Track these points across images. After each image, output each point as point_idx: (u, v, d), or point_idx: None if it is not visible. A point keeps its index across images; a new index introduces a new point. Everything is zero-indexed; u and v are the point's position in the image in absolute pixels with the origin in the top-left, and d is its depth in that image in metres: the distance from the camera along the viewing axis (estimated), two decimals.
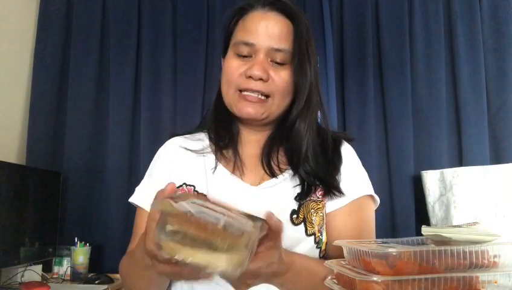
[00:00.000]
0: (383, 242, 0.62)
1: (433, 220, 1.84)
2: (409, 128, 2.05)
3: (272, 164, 0.81)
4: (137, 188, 0.87)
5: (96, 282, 1.77)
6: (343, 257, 0.64)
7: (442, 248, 0.52)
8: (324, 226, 0.79)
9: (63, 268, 1.92)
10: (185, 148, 0.85)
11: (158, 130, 2.12)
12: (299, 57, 0.78)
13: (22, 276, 1.75)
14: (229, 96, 0.80)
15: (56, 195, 2.00)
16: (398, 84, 2.08)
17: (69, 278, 1.90)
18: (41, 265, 1.88)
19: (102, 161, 2.13)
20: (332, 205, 0.80)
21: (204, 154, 0.83)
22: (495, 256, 0.53)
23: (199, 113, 2.12)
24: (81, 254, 1.91)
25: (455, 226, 0.60)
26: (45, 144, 2.12)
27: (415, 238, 0.64)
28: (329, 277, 0.63)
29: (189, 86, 2.14)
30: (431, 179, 1.86)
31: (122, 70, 2.17)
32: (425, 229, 0.58)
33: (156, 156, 0.89)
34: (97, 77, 2.18)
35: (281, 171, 0.80)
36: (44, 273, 1.88)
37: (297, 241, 0.75)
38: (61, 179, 2.03)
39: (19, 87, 2.13)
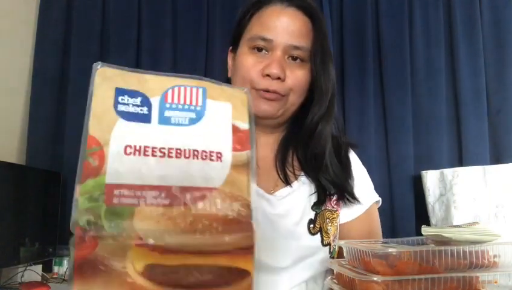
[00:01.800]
0: (383, 242, 0.62)
1: (433, 220, 1.84)
2: (409, 128, 2.05)
3: (287, 170, 0.78)
4: None
5: None
6: None
7: (442, 248, 0.52)
8: (338, 235, 0.78)
9: (63, 268, 1.92)
10: None
11: None
12: (321, 55, 0.76)
13: (22, 276, 1.75)
14: None
15: (56, 195, 1.99)
16: (398, 84, 2.08)
17: None
18: (41, 265, 1.88)
19: None
20: (346, 215, 0.79)
21: None
22: (495, 256, 0.53)
23: None
24: None
25: (455, 226, 0.59)
26: (45, 144, 2.12)
27: (415, 238, 0.64)
28: (329, 277, 0.63)
29: None
30: (431, 179, 1.86)
31: None
32: (425, 229, 0.58)
33: None
34: None
35: (296, 177, 0.78)
36: (44, 273, 1.88)
37: (314, 251, 0.74)
38: (61, 179, 2.03)
39: (19, 87, 2.13)
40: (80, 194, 0.31)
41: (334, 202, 0.78)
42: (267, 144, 0.82)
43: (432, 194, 1.86)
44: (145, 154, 0.32)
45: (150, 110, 0.34)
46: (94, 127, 0.33)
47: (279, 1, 0.77)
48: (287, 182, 0.77)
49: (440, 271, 0.51)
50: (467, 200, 1.74)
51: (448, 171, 1.81)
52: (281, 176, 0.77)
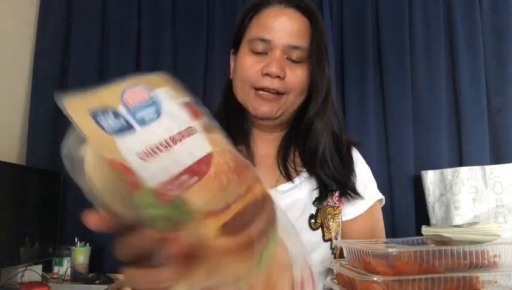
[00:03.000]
0: (383, 242, 0.62)
1: (433, 220, 1.84)
2: (409, 128, 2.05)
3: (289, 166, 0.79)
4: None
5: (96, 282, 1.77)
6: None
7: (442, 248, 0.52)
8: (340, 232, 0.78)
9: (63, 268, 1.92)
10: None
11: None
12: (317, 54, 0.77)
13: (22, 276, 1.75)
14: (244, 94, 0.78)
15: (56, 195, 1.99)
16: (398, 84, 2.08)
17: (69, 278, 1.90)
18: (41, 265, 1.88)
19: None
20: (349, 212, 0.79)
21: None
22: (495, 256, 0.53)
23: None
24: (81, 254, 1.91)
25: (455, 226, 0.59)
26: (45, 144, 2.12)
27: (415, 238, 0.64)
28: (329, 277, 0.63)
29: (189, 86, 2.13)
30: (431, 179, 1.86)
31: (122, 71, 2.17)
32: (425, 229, 0.58)
33: None
34: (97, 77, 2.18)
35: (297, 173, 0.79)
36: (44, 273, 1.88)
37: (315, 246, 0.74)
38: (61, 179, 2.03)
39: (19, 88, 2.13)
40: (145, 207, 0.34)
41: (337, 198, 0.79)
42: (269, 142, 0.83)
43: (431, 194, 1.86)
44: (155, 153, 0.34)
45: (125, 119, 0.36)
46: (105, 152, 0.35)
47: (278, 2, 0.78)
48: (289, 178, 0.77)
49: (440, 271, 0.51)
50: (467, 200, 1.74)
51: (448, 171, 1.81)
52: (282, 172, 0.78)
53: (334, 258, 0.77)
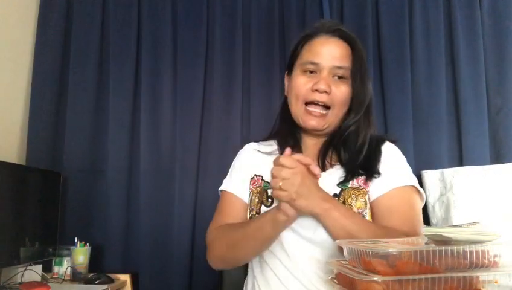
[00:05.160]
0: (383, 242, 0.62)
1: (433, 220, 1.84)
2: (409, 128, 2.05)
3: (326, 161, 0.97)
4: (224, 180, 1.09)
5: (96, 282, 1.76)
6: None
7: (443, 247, 0.52)
8: (367, 211, 0.89)
9: (63, 268, 1.92)
10: (258, 150, 1.08)
11: (158, 131, 2.12)
12: (360, 74, 0.95)
13: (22, 276, 1.75)
14: (297, 109, 0.98)
15: (56, 195, 1.99)
16: (398, 85, 2.08)
17: (69, 278, 1.89)
18: (41, 265, 1.87)
19: (102, 161, 2.13)
20: (376, 191, 0.91)
21: (272, 155, 1.02)
22: (495, 256, 0.53)
23: (199, 113, 2.11)
24: (81, 254, 1.91)
25: (455, 226, 0.60)
26: (45, 144, 2.12)
27: (415, 238, 0.64)
28: (329, 277, 0.63)
29: (190, 85, 2.14)
30: (431, 179, 1.86)
31: (122, 71, 2.17)
32: (425, 229, 0.58)
33: (237, 155, 1.13)
34: (97, 77, 2.18)
35: (332, 165, 0.97)
36: (44, 273, 1.87)
37: None
38: (61, 179, 2.03)
39: (19, 88, 2.13)
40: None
41: (362, 182, 0.92)
42: (314, 145, 1.02)
43: (431, 194, 1.86)
44: None
45: None
46: None
47: (324, 33, 0.98)
48: (323, 169, 0.95)
49: (440, 271, 0.51)
50: (467, 200, 1.74)
51: (448, 171, 1.81)
52: (319, 165, 0.95)
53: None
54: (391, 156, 0.97)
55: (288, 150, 0.84)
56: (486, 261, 0.52)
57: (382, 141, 1.00)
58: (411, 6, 2.14)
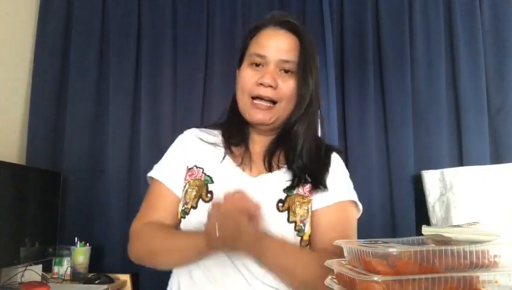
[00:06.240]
0: (383, 242, 0.62)
1: (433, 220, 1.84)
2: (409, 128, 2.05)
3: (272, 161, 0.94)
4: (155, 166, 1.00)
5: (96, 282, 1.76)
6: (327, 251, 0.72)
7: (443, 247, 0.52)
8: (308, 219, 0.89)
9: (63, 268, 1.92)
10: (200, 139, 0.99)
11: (158, 130, 2.12)
12: (303, 68, 0.91)
13: (22, 276, 1.75)
14: (243, 103, 0.94)
15: (56, 195, 1.99)
16: (398, 85, 2.08)
17: (69, 278, 1.90)
18: (41, 265, 1.87)
19: (102, 161, 2.13)
20: (319, 202, 0.90)
21: (216, 147, 0.97)
22: (495, 256, 0.53)
23: (199, 113, 2.12)
24: (81, 254, 1.91)
25: (455, 226, 0.60)
26: (45, 144, 2.12)
27: (415, 238, 0.64)
28: (329, 277, 0.63)
29: (189, 85, 2.14)
30: (431, 179, 1.86)
31: (122, 70, 2.17)
32: (425, 229, 0.58)
33: (175, 141, 1.03)
34: (97, 77, 2.18)
35: (278, 167, 0.94)
36: (44, 273, 1.87)
37: (280, 226, 0.86)
38: (61, 179, 2.03)
39: (19, 88, 2.13)
40: None
41: (307, 190, 0.91)
42: (261, 142, 0.98)
43: (431, 194, 1.86)
44: None
45: None
46: None
47: (273, 25, 0.94)
48: (270, 170, 0.93)
49: (440, 271, 0.51)
50: (467, 200, 1.74)
51: (448, 171, 1.81)
52: (266, 166, 0.93)
53: (301, 241, 0.87)
54: (337, 169, 0.96)
55: (228, 193, 0.77)
56: (486, 261, 0.52)
57: (330, 151, 0.99)
58: (411, 6, 2.14)
